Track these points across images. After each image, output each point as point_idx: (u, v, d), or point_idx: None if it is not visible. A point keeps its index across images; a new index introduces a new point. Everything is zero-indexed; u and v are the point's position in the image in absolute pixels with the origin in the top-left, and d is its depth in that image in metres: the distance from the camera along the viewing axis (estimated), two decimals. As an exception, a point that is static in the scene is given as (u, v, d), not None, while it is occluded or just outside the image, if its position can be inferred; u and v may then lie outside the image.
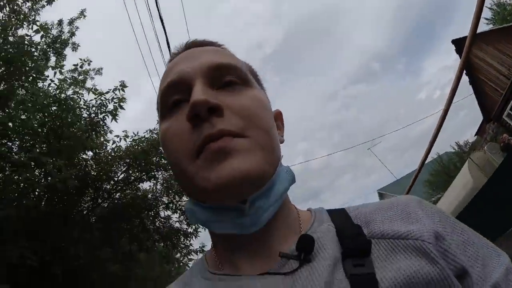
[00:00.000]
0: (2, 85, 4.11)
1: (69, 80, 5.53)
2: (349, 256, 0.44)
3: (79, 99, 5.15)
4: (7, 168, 3.65)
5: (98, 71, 6.17)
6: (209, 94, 0.46)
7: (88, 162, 5.60)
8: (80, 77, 5.84)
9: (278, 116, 0.61)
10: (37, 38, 4.61)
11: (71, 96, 5.02)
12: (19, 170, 3.57)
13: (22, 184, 3.58)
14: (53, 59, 5.09)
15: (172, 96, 0.49)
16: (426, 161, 5.25)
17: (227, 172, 0.42)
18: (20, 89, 4.35)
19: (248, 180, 0.43)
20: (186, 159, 0.46)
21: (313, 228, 0.51)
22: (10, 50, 3.90)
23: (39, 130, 4.29)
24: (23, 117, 4.22)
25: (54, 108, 4.77)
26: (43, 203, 4.29)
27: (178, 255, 6.99)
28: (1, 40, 3.90)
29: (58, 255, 4.18)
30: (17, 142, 4.21)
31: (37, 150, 4.14)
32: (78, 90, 5.48)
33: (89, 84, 5.94)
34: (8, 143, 4.01)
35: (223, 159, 0.43)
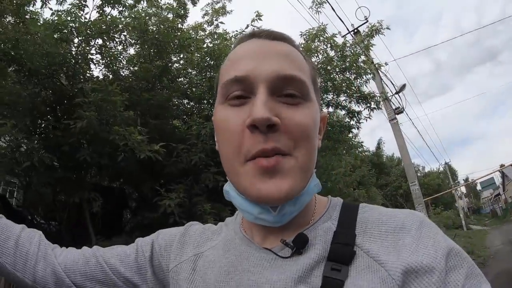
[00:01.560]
0: (158, 62, 5.07)
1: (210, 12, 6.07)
2: (332, 259, 0.53)
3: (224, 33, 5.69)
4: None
5: (232, -7, 6.25)
6: (270, 104, 0.51)
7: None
8: (218, 5, 6.20)
9: (322, 119, 0.66)
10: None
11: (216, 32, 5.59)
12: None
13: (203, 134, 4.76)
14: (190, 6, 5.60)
15: (235, 90, 0.54)
16: None
17: (272, 191, 0.51)
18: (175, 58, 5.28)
19: (286, 199, 0.52)
20: (236, 158, 0.53)
21: (317, 224, 0.60)
22: (157, 36, 4.69)
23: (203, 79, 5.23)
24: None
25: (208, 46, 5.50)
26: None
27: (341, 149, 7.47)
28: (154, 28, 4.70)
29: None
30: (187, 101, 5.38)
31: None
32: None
33: (228, 7, 6.26)
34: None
35: (270, 177, 0.51)
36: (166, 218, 4.26)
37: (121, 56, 5.27)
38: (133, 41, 5.19)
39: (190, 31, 5.72)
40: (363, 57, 6.38)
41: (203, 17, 6.22)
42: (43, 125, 4.98)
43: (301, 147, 0.53)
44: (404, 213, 0.57)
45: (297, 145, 0.52)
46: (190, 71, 5.80)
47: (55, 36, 4.50)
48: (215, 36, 5.88)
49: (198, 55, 5.50)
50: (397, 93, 9.47)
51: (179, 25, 5.32)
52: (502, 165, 33.07)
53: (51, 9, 4.86)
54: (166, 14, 5.28)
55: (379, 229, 0.55)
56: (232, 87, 0.54)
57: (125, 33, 4.86)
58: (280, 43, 0.58)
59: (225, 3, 6.18)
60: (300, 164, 0.53)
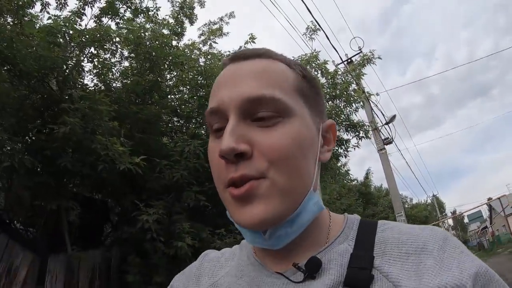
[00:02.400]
0: (150, 76, 5.10)
1: (205, 32, 6.15)
2: (348, 284, 0.49)
3: (218, 54, 5.76)
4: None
5: (231, 15, 6.36)
6: (241, 130, 0.50)
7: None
8: (215, 26, 6.28)
9: (330, 127, 0.62)
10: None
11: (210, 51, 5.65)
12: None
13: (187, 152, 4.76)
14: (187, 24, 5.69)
15: (214, 122, 0.54)
16: None
17: (246, 218, 0.49)
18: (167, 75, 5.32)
19: (265, 224, 0.50)
20: (220, 185, 0.53)
21: (332, 246, 0.56)
22: (150, 50, 4.72)
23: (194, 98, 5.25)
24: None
25: (200, 65, 5.55)
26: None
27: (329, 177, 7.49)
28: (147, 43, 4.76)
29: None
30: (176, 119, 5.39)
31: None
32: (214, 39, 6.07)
33: (225, 29, 6.36)
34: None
35: (244, 204, 0.49)
36: (144, 234, 4.21)
37: (115, 68, 5.28)
38: (127, 53, 5.22)
39: (185, 50, 5.78)
40: (354, 86, 6.47)
41: (199, 37, 6.32)
42: (29, 126, 4.94)
43: (278, 168, 0.49)
44: (426, 231, 0.54)
45: (273, 166, 0.49)
46: (182, 88, 5.81)
47: (49, 39, 4.51)
48: (209, 56, 5.91)
49: (191, 73, 5.53)
50: (387, 123, 9.56)
51: (174, 42, 5.36)
52: (489, 198, 33.32)
53: (48, 13, 4.89)
54: (161, 29, 5.33)
55: (399, 250, 0.52)
56: (211, 119, 0.54)
57: (117, 44, 4.87)
58: (254, 60, 0.56)
59: (222, 25, 6.31)
60: (278, 186, 0.49)
